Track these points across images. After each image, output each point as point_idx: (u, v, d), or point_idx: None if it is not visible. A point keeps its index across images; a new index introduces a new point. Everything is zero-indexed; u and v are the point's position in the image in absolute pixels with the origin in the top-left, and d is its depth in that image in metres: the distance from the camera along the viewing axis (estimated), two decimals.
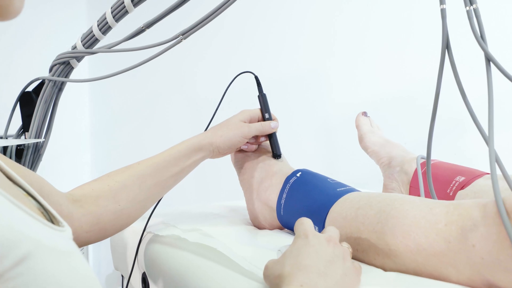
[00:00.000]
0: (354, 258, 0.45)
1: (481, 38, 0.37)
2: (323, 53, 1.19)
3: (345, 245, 0.40)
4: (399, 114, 1.07)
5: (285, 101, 1.22)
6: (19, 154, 0.76)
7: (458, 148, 1.00)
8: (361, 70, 1.14)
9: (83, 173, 1.64)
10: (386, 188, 0.73)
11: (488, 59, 0.37)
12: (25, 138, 0.77)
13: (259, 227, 0.62)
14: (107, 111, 1.64)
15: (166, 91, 1.48)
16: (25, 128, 0.77)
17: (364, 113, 0.83)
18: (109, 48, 0.70)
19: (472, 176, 0.61)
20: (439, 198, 0.61)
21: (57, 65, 0.75)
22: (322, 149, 1.19)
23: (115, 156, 1.60)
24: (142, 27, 0.64)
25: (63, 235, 0.25)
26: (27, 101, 0.77)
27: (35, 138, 0.76)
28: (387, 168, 0.74)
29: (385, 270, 0.42)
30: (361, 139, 0.79)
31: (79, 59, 0.75)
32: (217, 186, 1.36)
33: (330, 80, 1.18)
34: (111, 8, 0.66)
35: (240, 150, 0.67)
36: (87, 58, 1.56)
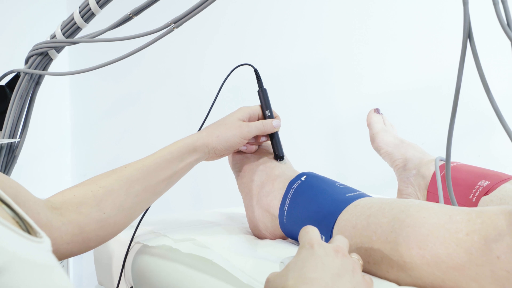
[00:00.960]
0: (365, 271, 0.45)
1: (507, 26, 0.37)
2: (329, 43, 1.20)
3: (355, 256, 0.40)
4: (416, 111, 1.08)
5: (288, 97, 1.22)
6: None
7: (483, 149, 1.00)
8: (372, 62, 1.14)
9: (64, 177, 1.64)
10: (401, 194, 0.73)
11: None
12: None
13: (260, 236, 0.62)
14: (90, 108, 1.65)
15: (156, 86, 1.49)
16: None
17: (377, 110, 0.83)
18: (92, 38, 0.70)
19: (497, 180, 0.61)
20: (460, 204, 0.61)
21: (34, 56, 0.75)
22: (330, 150, 1.19)
23: (99, 158, 1.60)
24: (130, 14, 0.64)
25: (41, 247, 0.25)
26: (0, 97, 0.77)
27: (9, 137, 0.76)
28: (402, 171, 0.74)
29: (399, 284, 0.42)
30: (373, 139, 0.79)
31: (58, 49, 0.76)
32: (213, 191, 1.36)
33: (337, 73, 1.18)
34: None
35: (239, 152, 0.67)
36: (67, 49, 1.57)
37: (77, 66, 1.50)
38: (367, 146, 0.81)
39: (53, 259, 0.25)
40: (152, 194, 0.55)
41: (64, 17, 0.80)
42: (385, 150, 0.77)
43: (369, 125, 0.81)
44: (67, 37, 0.72)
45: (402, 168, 0.74)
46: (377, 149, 0.78)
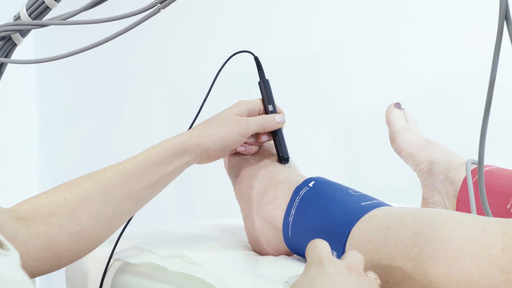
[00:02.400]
0: None
1: None
2: (342, 27, 1.20)
3: (372, 275, 0.40)
4: (444, 106, 1.08)
5: (294, 89, 1.23)
6: None
7: None
8: (392, 50, 1.15)
9: (30, 182, 1.64)
10: (425, 202, 0.73)
11: None
12: None
13: (261, 252, 0.63)
14: (60, 102, 1.65)
15: (139, 77, 1.49)
16: None
17: (397, 105, 0.83)
18: (63, 20, 0.70)
19: None
20: (496, 215, 0.61)
21: None
22: (342, 152, 1.19)
23: (72, 160, 1.60)
24: None
25: (9, 261, 0.26)
26: None
27: None
28: (428, 177, 0.74)
29: None
30: (393, 139, 0.79)
31: (23, 33, 0.76)
32: (206, 199, 1.37)
33: (353, 61, 1.19)
34: None
35: (236, 153, 0.67)
36: (34, 33, 1.56)
37: (46, 53, 1.50)
38: (386, 147, 0.82)
39: (22, 274, 0.26)
40: (135, 202, 0.56)
41: None
42: (407, 151, 0.77)
43: (388, 122, 0.81)
44: (33, 19, 0.72)
45: (427, 173, 0.74)
46: (398, 150, 0.79)
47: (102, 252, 0.66)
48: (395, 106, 0.83)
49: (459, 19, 1.08)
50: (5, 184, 1.55)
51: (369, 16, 1.17)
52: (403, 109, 0.84)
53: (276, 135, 0.65)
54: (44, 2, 0.71)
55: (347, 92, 1.21)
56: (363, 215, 0.49)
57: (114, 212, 0.54)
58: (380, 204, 0.52)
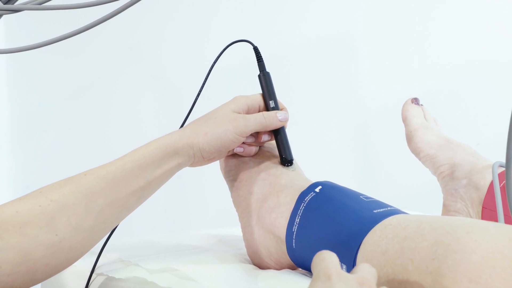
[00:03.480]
0: None
1: None
2: (352, 14, 1.20)
3: None
4: (467, 101, 1.08)
5: (298, 83, 1.23)
6: None
7: None
8: (408, 39, 1.15)
9: (1, 187, 1.64)
10: (447, 210, 0.74)
11: None
12: None
13: (261, 265, 0.63)
14: (34, 98, 1.65)
15: (123, 68, 1.49)
16: None
17: (415, 101, 0.83)
18: (39, 4, 0.70)
19: None
20: None
21: None
22: (352, 153, 1.20)
23: (48, 163, 1.60)
24: None
25: None
26: None
27: None
28: (449, 181, 0.74)
29: None
30: (410, 138, 0.80)
31: None
32: (200, 206, 1.37)
33: (362, 52, 1.19)
34: None
35: (233, 154, 0.67)
36: (5, 19, 1.56)
37: (18, 42, 1.50)
38: (402, 147, 0.82)
39: None
40: (120, 210, 0.56)
41: None
42: (426, 152, 0.77)
43: (405, 119, 0.81)
44: (5, 3, 0.72)
45: (448, 177, 0.75)
46: (416, 151, 0.79)
47: (82, 266, 0.66)
48: (412, 102, 0.83)
49: (480, 3, 1.09)
50: None
51: (382, 1, 1.18)
52: (421, 105, 0.84)
53: (278, 134, 0.65)
54: None
55: (358, 86, 1.21)
56: (376, 224, 0.50)
57: (96, 221, 0.54)
58: (395, 212, 0.52)
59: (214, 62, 0.66)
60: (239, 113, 0.63)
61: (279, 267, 0.62)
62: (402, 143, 0.81)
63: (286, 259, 0.60)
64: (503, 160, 0.70)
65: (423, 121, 0.80)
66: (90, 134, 1.54)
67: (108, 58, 1.52)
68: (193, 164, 0.62)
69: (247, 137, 0.64)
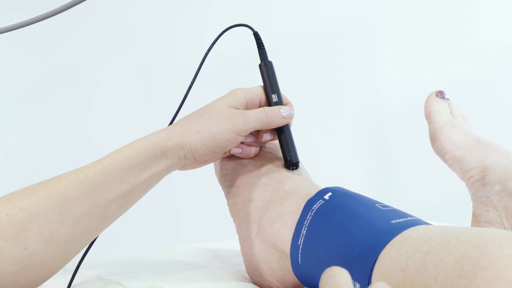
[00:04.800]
0: None
1: None
2: None
3: None
4: (500, 95, 1.08)
5: (305, 75, 1.23)
6: None
7: None
8: (432, 23, 1.15)
9: None
10: (477, 221, 0.74)
11: None
12: None
13: (262, 284, 0.63)
14: (0, 90, 1.65)
15: (105, 56, 1.49)
16: None
17: (440, 94, 0.83)
18: None
19: None
20: None
21: None
22: (367, 155, 1.20)
23: (17, 165, 1.60)
24: None
25: None
26: None
27: None
28: (480, 187, 0.74)
29: None
30: (434, 138, 0.80)
31: None
32: (191, 216, 1.37)
33: (379, 39, 1.19)
34: None
35: (230, 156, 0.67)
36: None
37: None
38: (426, 148, 0.82)
39: None
40: (100, 220, 0.56)
41: None
42: (453, 154, 0.77)
43: (428, 116, 0.81)
44: None
45: (479, 182, 0.74)
46: (441, 152, 0.79)
47: (56, 284, 0.66)
48: (436, 96, 0.83)
49: None
50: None
51: None
52: (447, 99, 0.84)
53: (282, 133, 0.65)
54: None
55: (374, 77, 1.21)
56: (394, 236, 0.50)
57: (72, 233, 0.54)
58: (416, 222, 0.52)
59: (208, 50, 0.66)
60: (237, 108, 0.63)
61: (282, 286, 0.62)
62: (425, 143, 0.81)
63: (291, 276, 0.60)
64: None
65: (449, 118, 0.80)
66: (65, 132, 1.54)
67: (88, 45, 1.52)
68: (183, 167, 0.62)
69: (246, 136, 0.64)
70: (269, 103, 0.65)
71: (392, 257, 0.48)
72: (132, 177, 0.57)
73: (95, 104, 1.51)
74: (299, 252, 0.57)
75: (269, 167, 0.65)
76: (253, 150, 0.66)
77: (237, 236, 0.66)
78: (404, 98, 1.18)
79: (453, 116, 0.81)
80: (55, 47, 1.55)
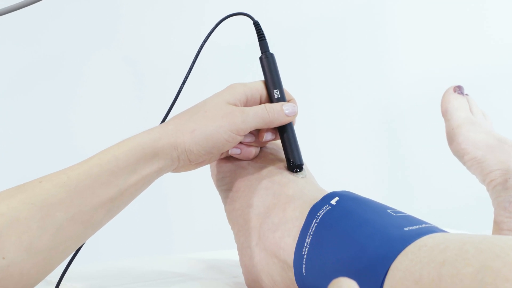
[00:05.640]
0: None
1: None
2: None
3: None
4: None
5: (310, 68, 1.23)
6: None
7: None
8: (453, 5, 1.15)
9: None
10: (498, 228, 0.74)
11: None
12: None
13: None
14: None
15: (87, 50, 1.49)
16: None
17: (459, 89, 0.84)
18: None
19: None
20: None
21: None
22: (378, 155, 1.20)
23: None
24: None
25: None
26: None
27: None
28: (502, 191, 0.74)
29: None
30: (452, 137, 0.80)
31: None
32: (185, 223, 1.37)
33: (390, 28, 1.19)
34: None
35: (228, 157, 0.68)
36: None
37: None
38: (442, 148, 0.82)
39: None
40: (85, 227, 0.56)
41: None
42: (473, 155, 0.77)
43: (445, 113, 0.81)
44: None
45: (501, 186, 0.74)
46: (459, 153, 0.79)
47: None
48: (454, 91, 0.83)
49: None
50: None
51: None
52: (466, 94, 0.84)
53: (284, 132, 0.65)
54: None
55: (385, 71, 1.21)
56: (407, 245, 0.50)
57: (55, 241, 0.54)
58: (431, 230, 0.52)
59: (205, 41, 0.67)
60: (236, 105, 0.63)
61: None
62: (442, 143, 0.81)
63: None
64: None
65: (468, 115, 0.80)
66: (47, 131, 1.54)
67: (72, 35, 1.51)
68: (177, 169, 0.63)
69: (245, 135, 0.64)
70: (270, 99, 0.65)
71: (405, 268, 0.48)
72: (121, 180, 0.57)
73: (80, 101, 1.51)
74: (304, 262, 0.57)
75: (270, 169, 0.65)
76: (253, 150, 0.66)
77: (235, 245, 0.66)
78: (418, 93, 1.18)
79: (473, 114, 0.81)
80: (35, 38, 1.55)
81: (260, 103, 0.65)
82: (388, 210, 0.56)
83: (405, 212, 0.57)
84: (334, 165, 1.20)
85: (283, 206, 0.61)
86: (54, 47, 1.54)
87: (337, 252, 0.54)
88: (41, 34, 1.54)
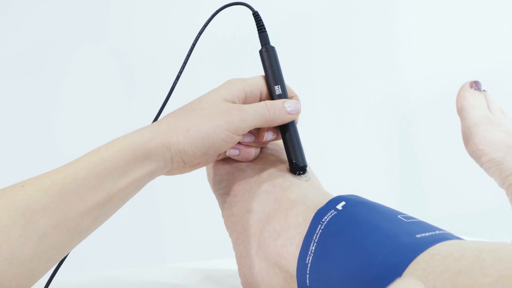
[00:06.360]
0: None
1: None
2: None
3: None
4: None
5: (314, 62, 1.23)
6: None
7: None
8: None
9: None
10: None
11: None
12: None
13: None
14: None
15: (72, 42, 1.49)
16: None
17: (475, 85, 0.84)
18: None
19: None
20: None
21: None
22: (388, 157, 1.20)
23: None
24: None
25: None
26: None
27: None
28: None
29: None
30: (468, 137, 0.80)
31: None
32: (179, 230, 1.37)
33: (401, 17, 1.19)
34: None
35: (226, 159, 0.68)
36: None
37: None
38: (458, 148, 0.82)
39: None
40: (70, 235, 0.56)
41: None
42: (491, 156, 0.77)
43: (461, 111, 0.82)
44: None
45: None
46: (476, 154, 0.79)
47: None
48: (471, 87, 0.83)
49: None
50: None
51: None
52: (483, 90, 0.84)
53: (286, 131, 0.65)
54: None
55: (396, 64, 1.21)
56: (419, 253, 0.50)
57: (38, 250, 0.54)
58: (445, 237, 0.52)
59: (200, 33, 0.67)
60: (234, 102, 0.63)
61: None
62: (457, 142, 0.82)
63: None
64: None
65: (486, 113, 0.81)
66: (30, 130, 1.54)
67: (56, 24, 1.51)
68: (170, 172, 0.63)
69: (244, 135, 0.64)
70: (271, 96, 0.66)
71: (417, 278, 0.49)
72: (109, 184, 0.57)
73: (64, 97, 1.51)
74: (307, 272, 0.57)
75: (271, 171, 0.66)
76: (253, 151, 0.67)
77: (233, 253, 0.66)
78: (431, 89, 1.18)
79: (491, 111, 0.81)
80: (16, 28, 1.55)
81: (260, 100, 0.65)
82: (398, 216, 0.56)
83: (417, 217, 0.57)
84: (340, 167, 1.21)
85: (285, 211, 0.62)
86: (36, 39, 1.54)
87: (343, 261, 0.54)
88: (22, 22, 1.54)
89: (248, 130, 0.63)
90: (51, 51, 1.51)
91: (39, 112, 1.52)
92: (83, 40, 1.48)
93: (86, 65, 1.48)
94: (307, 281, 0.58)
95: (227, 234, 0.67)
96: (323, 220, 0.58)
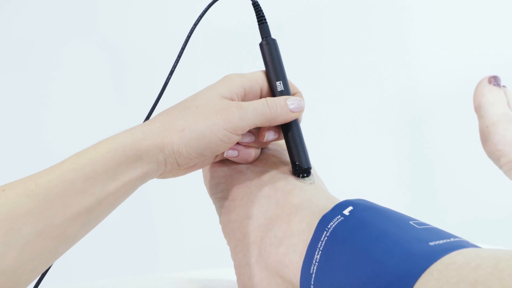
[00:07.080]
0: None
1: None
2: None
3: None
4: None
5: (320, 57, 1.23)
6: None
7: None
8: None
9: None
10: None
11: None
12: None
13: None
14: None
15: (60, 36, 1.49)
16: None
17: (494, 80, 0.84)
18: None
19: None
20: None
21: None
22: (399, 158, 1.20)
23: None
24: None
25: None
26: None
27: None
28: None
29: None
30: (486, 136, 0.80)
31: None
32: (173, 237, 1.37)
33: (419, 6, 1.19)
34: None
35: (224, 161, 0.68)
36: None
37: None
38: (475, 149, 0.82)
39: None
40: (56, 243, 0.56)
41: None
42: (511, 157, 0.78)
43: (478, 108, 0.82)
44: None
45: None
46: (495, 154, 0.79)
47: None
48: (489, 82, 0.83)
49: None
50: None
51: None
52: (503, 86, 0.84)
53: (289, 131, 0.66)
54: None
55: (409, 58, 1.21)
56: (433, 262, 0.50)
57: (21, 259, 0.54)
58: (461, 245, 0.52)
59: (196, 23, 0.67)
60: (232, 99, 0.63)
61: None
62: (474, 142, 0.82)
63: None
64: None
65: (506, 111, 0.81)
66: (14, 129, 1.54)
67: (43, 18, 1.52)
68: (163, 175, 0.63)
69: (243, 135, 0.64)
70: (272, 92, 0.66)
71: None
72: (98, 187, 0.57)
73: (51, 94, 1.51)
74: (312, 282, 0.57)
75: (272, 174, 0.66)
76: (253, 152, 0.67)
77: (231, 262, 0.66)
78: (447, 84, 1.18)
79: (511, 109, 0.81)
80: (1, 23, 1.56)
81: (261, 97, 0.65)
82: (410, 222, 0.56)
83: (430, 224, 0.57)
84: (347, 169, 1.21)
85: (288, 217, 0.62)
86: (22, 34, 1.54)
87: (351, 271, 0.54)
88: (8, 18, 1.55)
89: (247, 129, 0.63)
90: (37, 46, 1.52)
91: (24, 110, 1.52)
92: (71, 32, 1.48)
93: (74, 59, 1.48)
94: None
95: (225, 241, 0.67)
96: (329, 226, 0.58)
